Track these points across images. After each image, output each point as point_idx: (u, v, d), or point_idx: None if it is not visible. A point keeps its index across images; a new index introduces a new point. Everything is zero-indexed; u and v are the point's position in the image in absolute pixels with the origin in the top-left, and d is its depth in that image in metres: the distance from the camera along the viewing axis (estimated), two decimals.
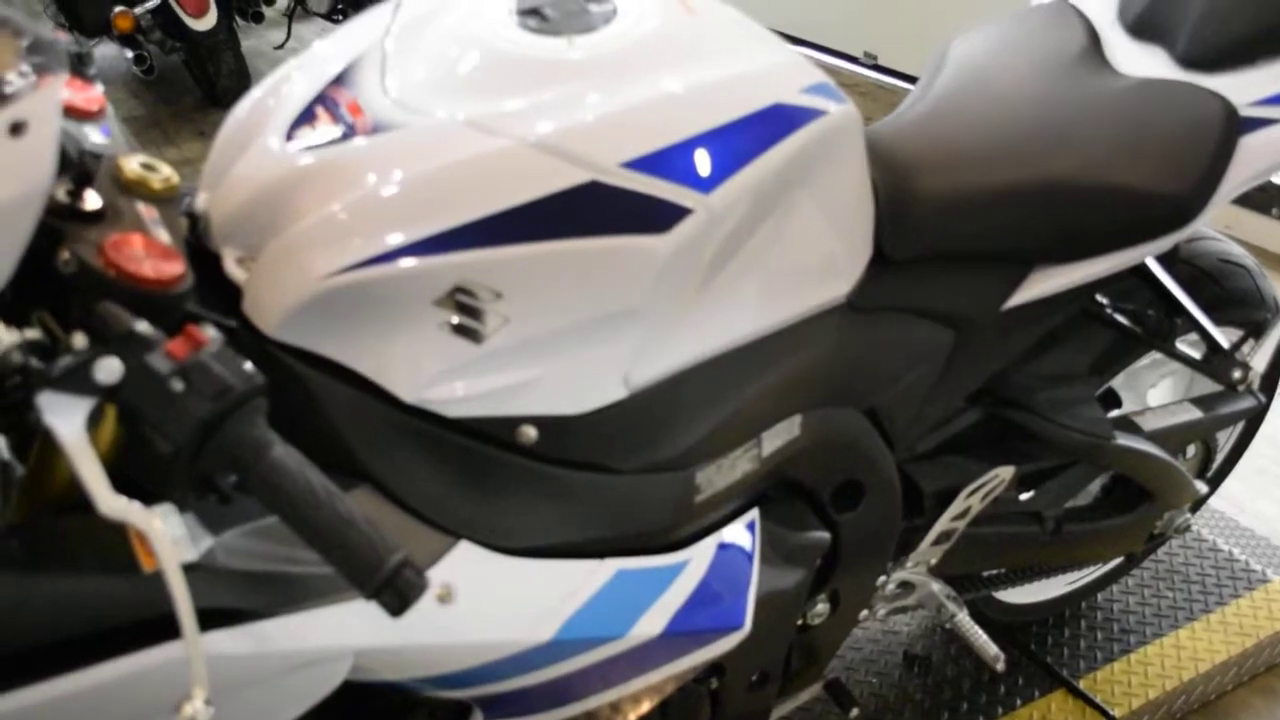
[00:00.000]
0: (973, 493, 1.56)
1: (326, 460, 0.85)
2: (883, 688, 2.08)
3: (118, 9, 4.46)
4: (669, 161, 1.01)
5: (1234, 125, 1.47)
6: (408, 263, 0.94)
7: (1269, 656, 2.31)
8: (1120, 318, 1.63)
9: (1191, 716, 2.21)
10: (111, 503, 0.77)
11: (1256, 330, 1.75)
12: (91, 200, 0.90)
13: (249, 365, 0.80)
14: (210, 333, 0.80)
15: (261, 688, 0.93)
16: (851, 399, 1.30)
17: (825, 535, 1.36)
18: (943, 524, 1.57)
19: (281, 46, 5.24)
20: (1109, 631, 2.25)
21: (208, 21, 4.52)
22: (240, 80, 4.66)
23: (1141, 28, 1.59)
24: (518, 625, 1.03)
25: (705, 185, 1.02)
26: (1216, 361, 1.68)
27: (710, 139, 1.04)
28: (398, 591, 0.79)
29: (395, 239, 0.94)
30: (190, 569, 0.84)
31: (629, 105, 1.02)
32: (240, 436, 0.78)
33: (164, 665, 0.85)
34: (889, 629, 2.22)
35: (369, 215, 0.95)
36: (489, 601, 1.02)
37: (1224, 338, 1.69)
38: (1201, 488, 1.98)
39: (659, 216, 1.00)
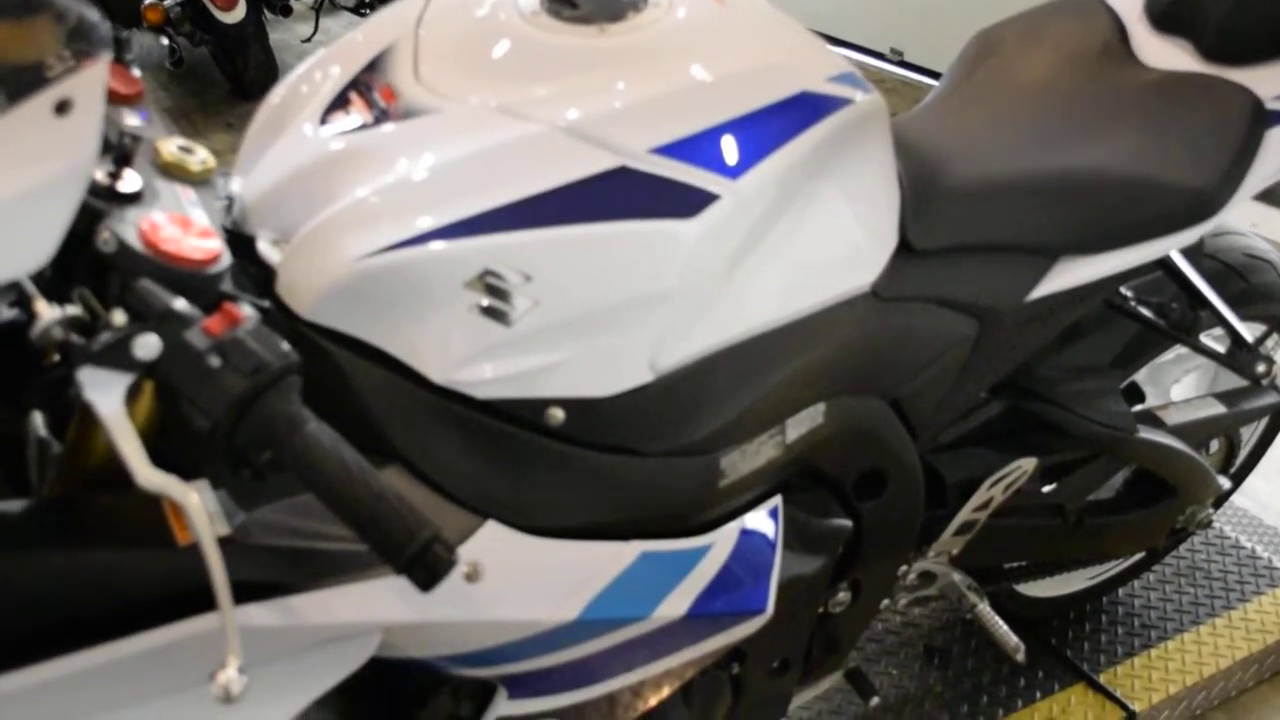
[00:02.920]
0: (995, 484, 1.57)
1: (357, 440, 0.87)
2: (902, 679, 2.09)
3: (148, 1, 4.49)
4: (697, 148, 1.02)
5: (1260, 118, 1.47)
6: (438, 246, 0.95)
7: None
8: (1144, 311, 1.64)
9: (1212, 713, 2.21)
10: (150, 476, 0.78)
11: None
12: (130, 181, 0.91)
13: (284, 343, 0.81)
14: (247, 310, 0.82)
15: (291, 662, 0.94)
16: (875, 388, 1.31)
17: (847, 523, 1.37)
18: (965, 515, 1.58)
19: (309, 40, 5.27)
20: (1130, 626, 2.25)
21: (236, 14, 4.54)
22: (268, 73, 4.68)
23: (1168, 21, 1.59)
24: (543, 604, 1.05)
25: (733, 171, 1.03)
26: (1241, 356, 1.68)
27: (738, 126, 1.05)
28: (428, 566, 0.80)
29: (426, 222, 0.96)
30: (224, 543, 0.86)
31: (658, 92, 1.03)
32: (275, 412, 0.79)
33: (198, 636, 0.87)
34: (909, 621, 2.22)
35: (401, 199, 0.97)
36: (515, 580, 1.03)
37: (1249, 332, 1.69)
38: (1224, 483, 1.98)
39: (687, 202, 1.01)
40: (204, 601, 0.84)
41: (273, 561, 0.91)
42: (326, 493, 0.80)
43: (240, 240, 1.03)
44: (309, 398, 0.83)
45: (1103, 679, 2.12)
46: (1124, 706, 2.06)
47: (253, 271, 1.00)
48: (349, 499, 0.80)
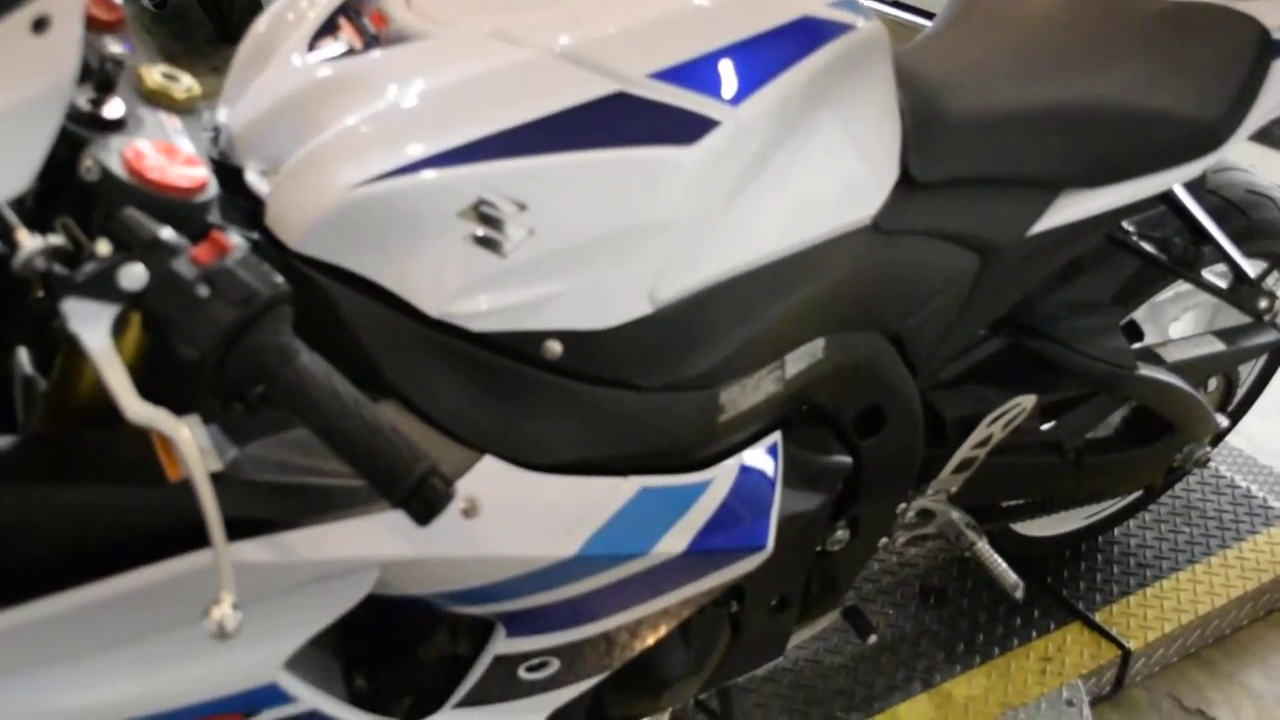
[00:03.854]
0: (994, 421, 1.55)
1: (351, 375, 0.85)
2: (899, 619, 2.09)
3: None
4: (697, 73, 1.00)
5: (1267, 48, 1.45)
6: (431, 174, 0.93)
7: None
8: (1147, 246, 1.62)
9: (1207, 650, 2.22)
10: (139, 409, 0.76)
11: None
12: (114, 108, 0.89)
13: (273, 272, 0.79)
14: (235, 239, 0.80)
15: (287, 599, 0.93)
16: (875, 323, 1.29)
17: (847, 460, 1.35)
18: (964, 452, 1.57)
19: None
20: (1125, 565, 2.26)
21: None
22: (254, 15, 4.59)
23: None
24: (541, 540, 1.03)
25: (734, 98, 1.01)
26: (1243, 291, 1.66)
27: (738, 51, 1.02)
28: (424, 500, 0.79)
29: (418, 150, 0.93)
30: (216, 479, 0.84)
31: (656, 16, 1.01)
32: (266, 343, 0.77)
33: (191, 573, 0.85)
34: (905, 562, 2.22)
35: (392, 126, 0.94)
36: (513, 516, 1.01)
37: (1251, 268, 1.68)
38: (1222, 421, 1.98)
39: (686, 128, 0.99)
40: (196, 538, 0.83)
41: (266, 497, 0.89)
42: (320, 425, 0.78)
43: (228, 171, 1.00)
44: (300, 331, 0.81)
45: (1098, 617, 2.12)
46: (1119, 644, 2.06)
47: (241, 203, 0.98)
48: (343, 432, 0.78)
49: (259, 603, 0.91)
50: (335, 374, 0.79)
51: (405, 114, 0.95)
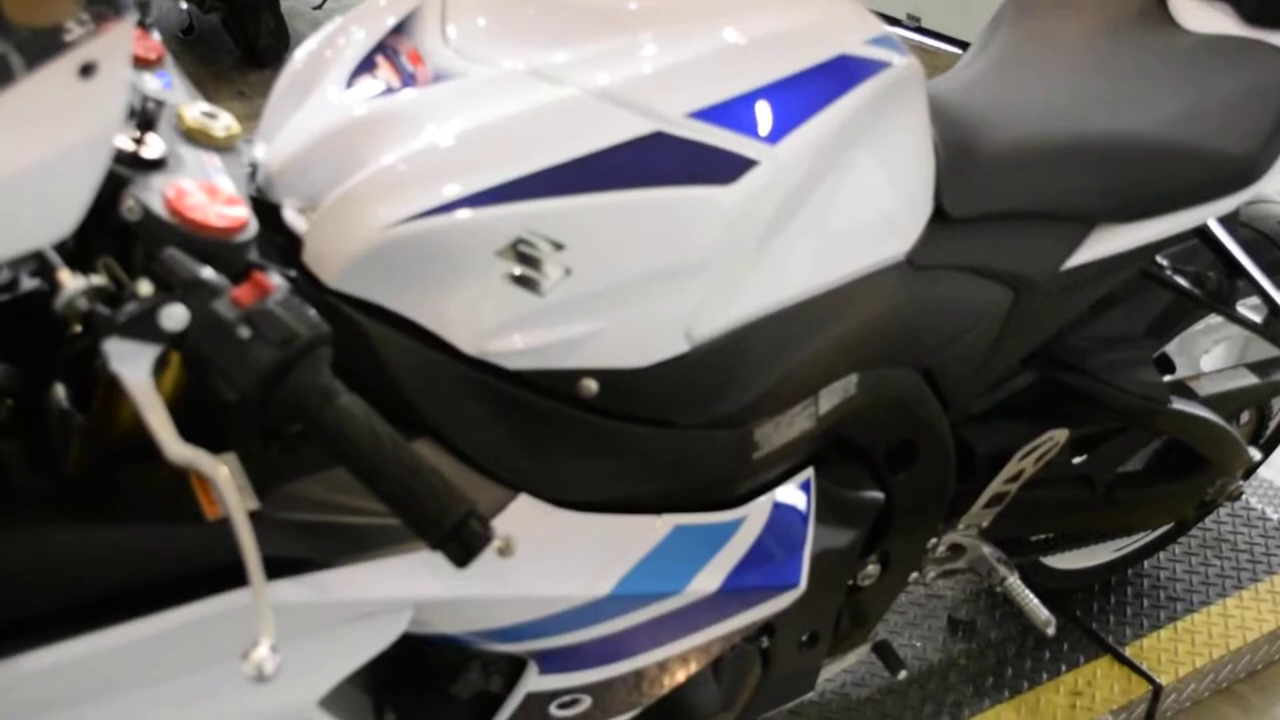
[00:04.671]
0: (1026, 455, 1.54)
1: (387, 412, 0.84)
2: (927, 651, 2.07)
3: None
4: (735, 112, 1.00)
5: None
6: (468, 213, 0.93)
7: None
8: (1180, 280, 1.61)
9: (1238, 685, 2.20)
10: (179, 450, 0.76)
11: None
12: (154, 147, 0.89)
13: (314, 313, 0.79)
14: (276, 280, 0.80)
15: (323, 638, 0.93)
16: (908, 358, 1.28)
17: (879, 495, 1.35)
18: (995, 486, 1.56)
19: (320, 7, 5.21)
20: (1155, 599, 2.23)
21: None
22: (279, 40, 4.63)
23: None
24: (575, 579, 1.03)
25: (771, 137, 1.01)
26: (1277, 325, 1.65)
27: (776, 90, 1.02)
28: (463, 542, 0.78)
29: (456, 189, 0.93)
30: (253, 517, 0.84)
31: (694, 56, 1.01)
32: (306, 384, 0.77)
33: (228, 613, 0.85)
34: (933, 594, 2.20)
35: (430, 165, 0.94)
36: (547, 555, 1.01)
37: None
38: (1255, 454, 1.96)
39: (724, 167, 0.98)
40: (233, 578, 0.83)
41: (303, 536, 0.89)
42: (360, 466, 0.78)
43: (265, 208, 1.00)
44: (337, 369, 0.81)
45: (1128, 651, 2.10)
46: (1150, 679, 2.04)
47: (278, 240, 0.98)
48: (382, 473, 0.78)
49: (295, 641, 0.90)
50: (374, 415, 0.79)
51: (443, 153, 0.95)
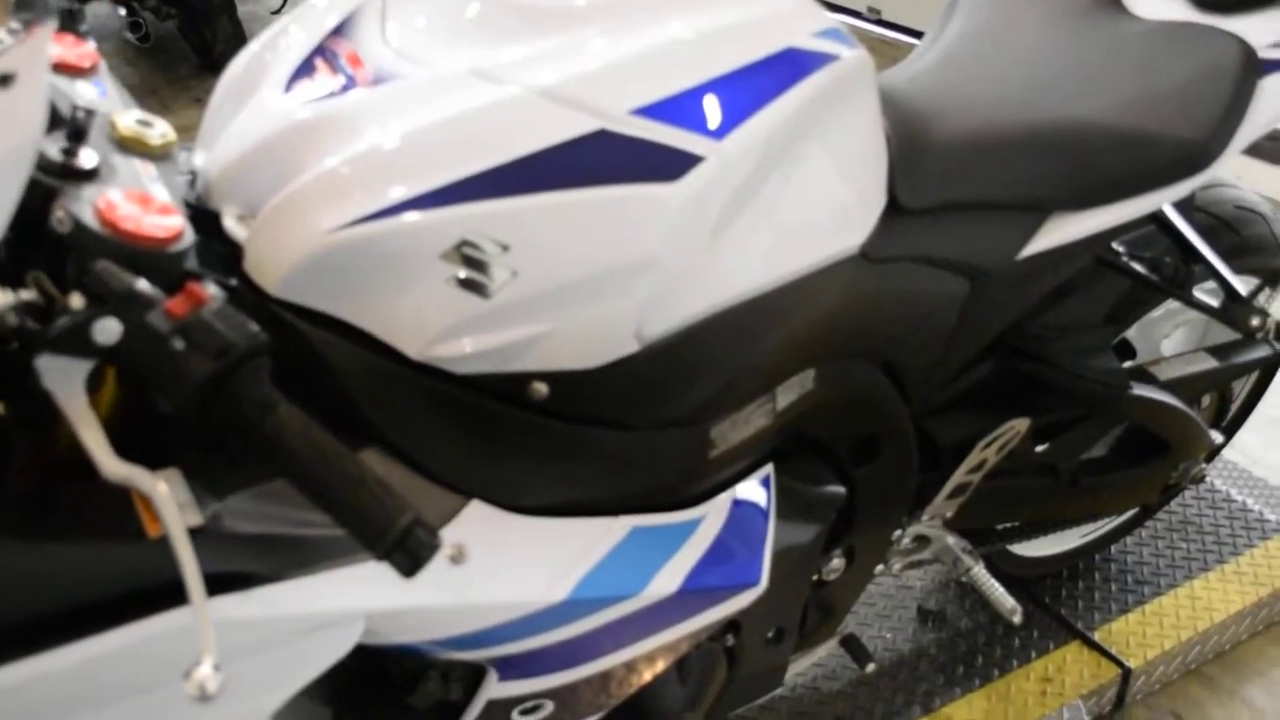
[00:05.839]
0: (988, 445, 1.54)
1: (333, 421, 0.83)
2: (897, 642, 2.07)
3: None
4: (680, 108, 0.98)
5: (1253, 67, 1.44)
6: (412, 216, 0.91)
7: None
8: (1137, 266, 1.61)
9: (1207, 667, 2.21)
10: (114, 467, 0.75)
11: (1274, 278, 1.72)
12: (86, 158, 0.87)
13: (251, 323, 0.77)
14: (211, 290, 0.78)
15: (272, 653, 0.91)
16: (866, 351, 1.28)
17: (841, 490, 1.34)
18: (958, 477, 1.56)
19: (279, 11, 5.17)
20: (1123, 583, 2.24)
21: None
22: (237, 46, 4.54)
23: None
24: (531, 585, 1.02)
25: (718, 132, 0.99)
26: (1235, 310, 1.65)
27: (722, 84, 1.01)
28: (409, 552, 0.77)
29: (399, 192, 0.92)
30: (196, 533, 0.82)
31: (637, 51, 0.99)
32: (244, 396, 0.76)
33: (172, 632, 0.84)
34: (902, 584, 2.20)
35: (372, 169, 0.93)
36: (502, 561, 1.00)
37: (1242, 285, 1.67)
38: (1217, 437, 1.97)
39: (670, 164, 0.97)
40: (179, 595, 0.81)
41: (248, 550, 0.87)
42: (301, 478, 0.77)
43: (205, 216, 0.99)
44: (281, 379, 0.79)
45: (1097, 636, 2.10)
46: (1119, 663, 2.05)
47: (218, 248, 0.96)
48: (325, 484, 0.76)
49: (243, 658, 0.89)
50: (315, 425, 0.78)
51: (385, 156, 0.93)
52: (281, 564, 0.88)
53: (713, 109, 1.00)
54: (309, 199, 0.93)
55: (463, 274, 0.92)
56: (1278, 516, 2.43)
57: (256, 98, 1.03)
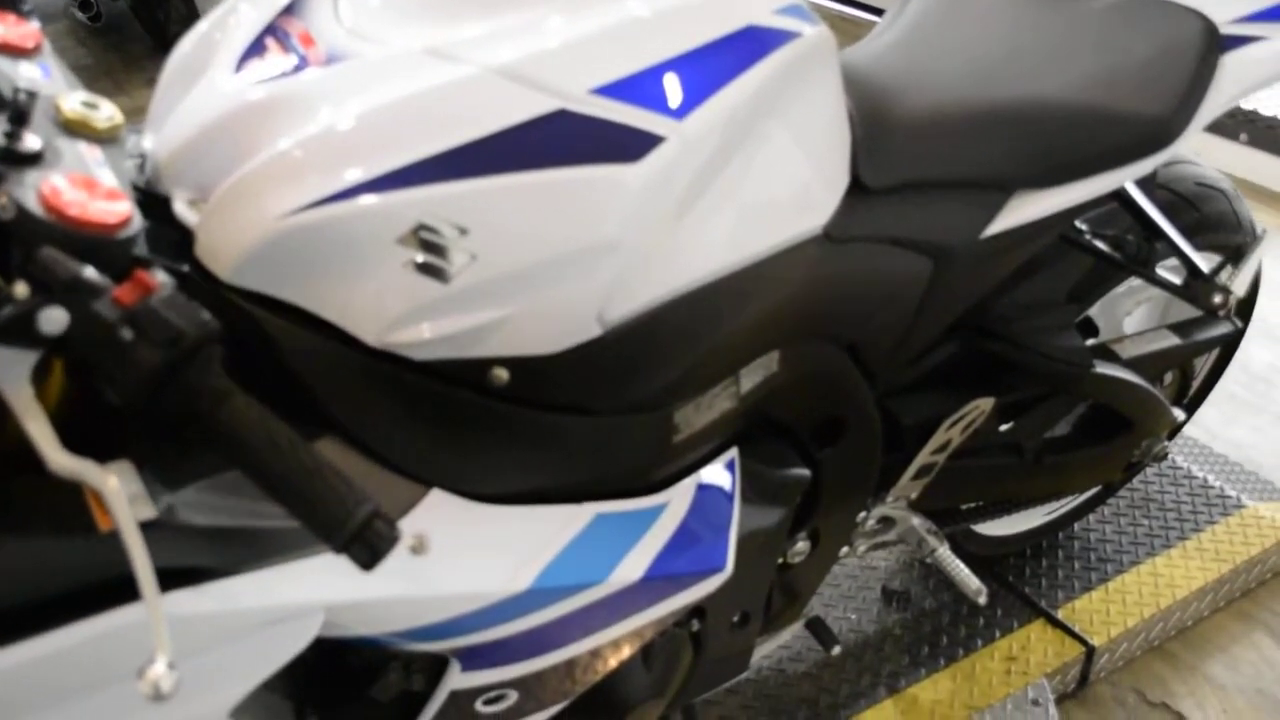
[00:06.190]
0: (952, 425, 1.54)
1: (290, 410, 0.81)
2: (862, 623, 2.07)
3: None
4: (640, 87, 0.97)
5: (1214, 44, 1.44)
6: (368, 200, 0.89)
7: (1245, 582, 2.32)
8: (1100, 244, 1.61)
9: (1169, 643, 2.22)
10: (62, 461, 0.73)
11: (1235, 255, 1.72)
12: (30, 141, 0.84)
13: (203, 311, 0.75)
14: (160, 278, 0.76)
15: (230, 647, 0.89)
16: (830, 333, 1.26)
17: (805, 472, 1.33)
18: (923, 458, 1.55)
19: None
20: (1086, 561, 2.25)
21: None
22: (191, 25, 4.53)
23: None
24: (494, 574, 1.00)
25: (679, 111, 0.98)
26: (1197, 287, 1.65)
27: (682, 63, 0.99)
28: (368, 544, 0.75)
29: (354, 175, 0.89)
30: (149, 527, 0.80)
31: (597, 30, 0.97)
32: (195, 386, 0.74)
33: (125, 629, 0.81)
34: (866, 565, 2.20)
35: (326, 151, 0.91)
36: (463, 551, 0.98)
37: (1204, 262, 1.67)
38: (1179, 414, 1.97)
39: (631, 145, 0.95)
40: (130, 591, 0.79)
41: (203, 544, 0.85)
42: (255, 470, 0.75)
43: (154, 201, 0.96)
44: (236, 367, 0.77)
45: (1061, 614, 2.11)
46: (1083, 641, 2.06)
47: (169, 234, 0.93)
48: (280, 476, 0.74)
49: (200, 652, 0.87)
50: (270, 416, 0.76)
51: (339, 137, 0.91)
52: (237, 557, 0.86)
53: (673, 88, 0.98)
54: (262, 182, 0.90)
55: (420, 258, 0.90)
56: (1238, 492, 2.45)
57: (206, 78, 1.01)
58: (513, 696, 1.14)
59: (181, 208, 0.94)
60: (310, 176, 0.90)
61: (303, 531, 0.88)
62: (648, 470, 1.11)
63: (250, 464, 0.75)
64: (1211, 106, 1.45)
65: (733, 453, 1.22)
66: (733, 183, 1.06)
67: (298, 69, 0.97)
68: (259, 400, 0.77)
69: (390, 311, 0.91)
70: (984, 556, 2.13)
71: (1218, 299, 1.64)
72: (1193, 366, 2.10)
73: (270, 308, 0.91)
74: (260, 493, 0.80)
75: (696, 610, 1.31)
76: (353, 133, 0.91)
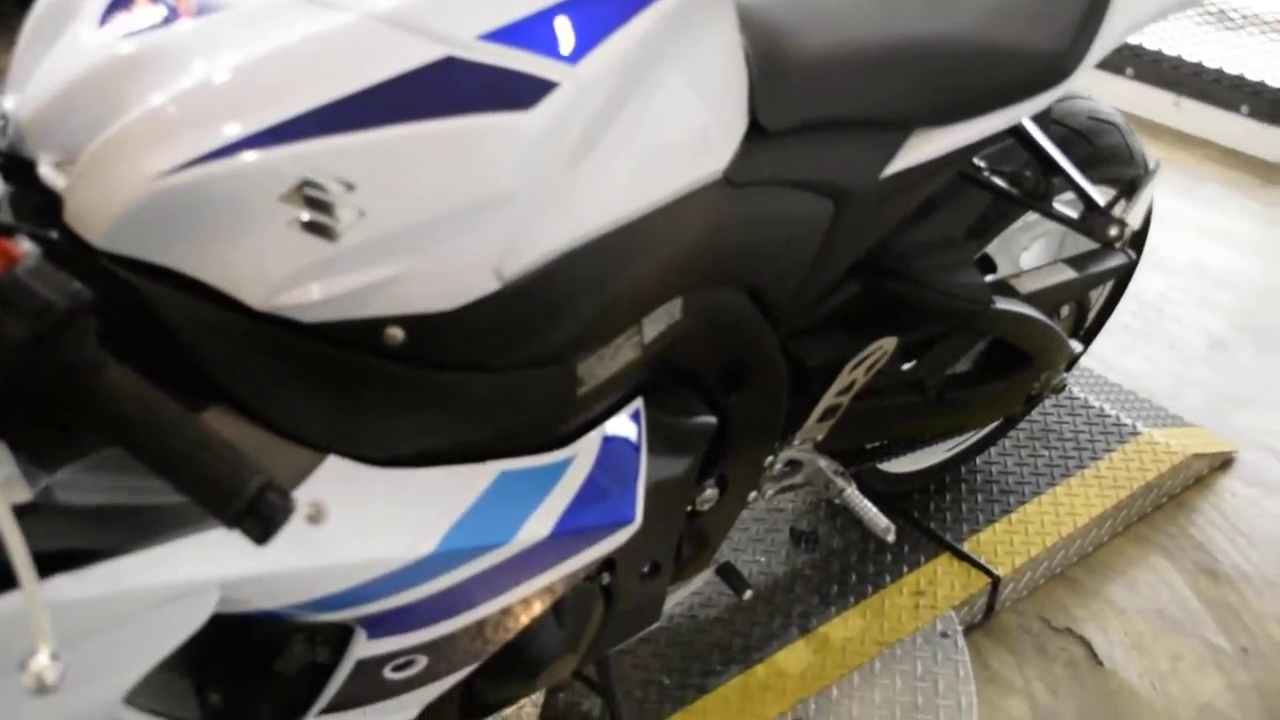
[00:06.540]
0: (856, 366, 1.53)
1: (173, 381, 0.77)
2: (771, 566, 2.08)
3: None
4: (530, 32, 0.93)
5: None
6: (248, 156, 0.85)
7: (1141, 507, 2.37)
8: (998, 180, 1.61)
9: (1071, 570, 2.27)
10: None
11: (1129, 188, 1.74)
12: None
13: (73, 280, 0.71)
14: (25, 246, 0.71)
15: (120, 631, 0.85)
16: (732, 278, 1.25)
17: (712, 420, 1.32)
18: (828, 399, 1.55)
19: None
20: (989, 494, 2.28)
21: None
22: None
23: None
24: (397, 540, 0.97)
25: (571, 56, 0.94)
26: (1094, 220, 1.66)
27: (574, 6, 0.96)
28: (261, 517, 0.72)
29: (232, 130, 0.85)
30: (25, 511, 0.76)
31: None
32: (68, 359, 0.69)
33: (3, 619, 0.77)
34: (774, 508, 2.21)
35: (201, 106, 0.86)
36: (364, 517, 0.95)
37: (1100, 195, 1.68)
38: (1076, 346, 2.00)
39: (523, 92, 0.92)
40: (9, 579, 0.75)
41: (86, 525, 0.81)
42: (137, 445, 0.71)
43: (18, 165, 0.90)
44: (112, 338, 0.73)
45: (966, 547, 2.14)
46: (988, 572, 2.09)
47: (34, 199, 0.88)
48: (164, 450, 0.71)
49: (88, 638, 0.83)
50: (150, 388, 0.72)
51: (215, 91, 0.86)
52: (123, 536, 0.82)
53: (565, 32, 0.95)
54: (134, 141, 0.85)
55: (306, 216, 0.86)
56: (1134, 420, 2.50)
57: (69, 34, 0.95)
58: (422, 661, 1.11)
59: (48, 171, 0.89)
60: (185, 134, 0.85)
61: (192, 506, 0.84)
62: (552, 425, 1.09)
63: (131, 439, 0.71)
64: (1105, 41, 1.45)
65: (638, 403, 1.20)
66: (629, 128, 1.03)
67: (168, 21, 0.91)
68: (138, 372, 0.73)
69: (276, 273, 0.87)
70: (889, 494, 2.14)
71: (1114, 231, 1.66)
72: (1088, 299, 2.13)
73: (147, 273, 0.86)
74: (144, 468, 0.76)
75: (607, 563, 1.29)
76: (229, 87, 0.86)
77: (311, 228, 0.87)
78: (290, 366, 0.90)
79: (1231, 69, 4.10)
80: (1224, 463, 2.56)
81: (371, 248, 0.89)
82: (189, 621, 0.88)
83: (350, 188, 0.87)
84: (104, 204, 0.85)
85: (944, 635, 1.97)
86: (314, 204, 0.86)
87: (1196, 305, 3.16)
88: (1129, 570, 2.27)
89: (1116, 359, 2.88)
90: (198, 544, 0.85)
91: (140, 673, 0.88)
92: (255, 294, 0.87)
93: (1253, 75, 4.05)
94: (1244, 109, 4.04)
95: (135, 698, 0.92)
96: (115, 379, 0.70)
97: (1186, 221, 3.60)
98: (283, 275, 0.87)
